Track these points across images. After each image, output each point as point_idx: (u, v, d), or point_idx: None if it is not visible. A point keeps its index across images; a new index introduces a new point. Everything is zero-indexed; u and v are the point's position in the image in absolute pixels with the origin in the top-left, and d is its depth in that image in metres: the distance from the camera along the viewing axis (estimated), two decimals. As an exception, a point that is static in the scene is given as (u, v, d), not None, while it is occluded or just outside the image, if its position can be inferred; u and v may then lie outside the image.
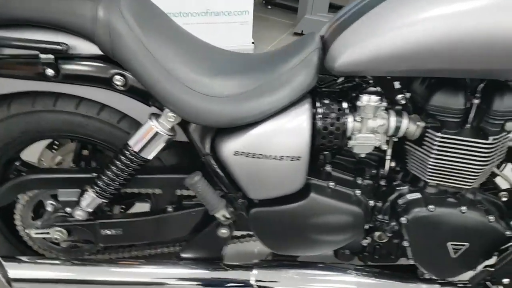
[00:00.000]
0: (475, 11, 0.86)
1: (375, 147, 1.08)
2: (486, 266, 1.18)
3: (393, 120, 1.04)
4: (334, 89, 1.12)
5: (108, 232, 1.20)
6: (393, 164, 1.14)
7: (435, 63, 0.92)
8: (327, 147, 1.07)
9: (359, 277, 1.21)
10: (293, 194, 1.11)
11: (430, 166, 1.06)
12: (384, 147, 1.09)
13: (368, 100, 1.02)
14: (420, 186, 1.13)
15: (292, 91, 1.00)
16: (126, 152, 1.07)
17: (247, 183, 1.09)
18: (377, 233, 1.20)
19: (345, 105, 1.05)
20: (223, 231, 1.19)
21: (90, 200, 1.15)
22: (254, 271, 1.22)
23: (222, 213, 1.13)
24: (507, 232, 1.11)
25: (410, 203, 1.11)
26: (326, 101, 1.05)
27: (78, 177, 1.18)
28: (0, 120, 1.13)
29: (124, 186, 1.14)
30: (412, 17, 0.89)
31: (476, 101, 1.01)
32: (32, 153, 1.31)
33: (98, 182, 1.12)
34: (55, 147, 1.33)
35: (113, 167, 1.09)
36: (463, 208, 1.09)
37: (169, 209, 1.20)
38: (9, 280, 1.20)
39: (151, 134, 1.04)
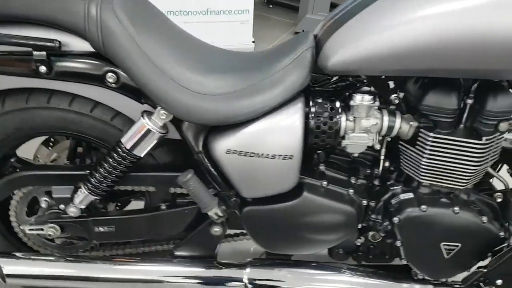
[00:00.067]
0: (468, 10, 0.85)
1: (370, 147, 1.08)
2: (479, 267, 1.17)
3: (386, 119, 1.04)
4: (327, 88, 1.11)
5: (102, 229, 1.21)
6: (387, 163, 1.14)
7: (429, 63, 0.91)
8: (320, 146, 1.07)
9: (352, 277, 1.21)
10: (286, 193, 1.10)
11: (423, 166, 1.05)
12: (378, 146, 1.08)
13: (361, 100, 1.01)
14: (414, 186, 1.13)
15: (285, 89, 1.00)
16: (119, 149, 1.07)
17: (240, 181, 1.09)
18: (370, 233, 1.20)
19: (338, 104, 1.05)
20: (216, 229, 1.19)
21: (83, 197, 1.15)
22: (248, 270, 1.22)
23: (214, 211, 1.13)
24: (501, 233, 1.10)
25: (402, 203, 1.11)
26: (319, 100, 1.05)
27: (72, 174, 1.18)
28: (-6, 116, 1.13)
29: (117, 183, 1.15)
30: (406, 16, 0.89)
31: (469, 101, 1.00)
32: (28, 150, 1.32)
33: (91, 179, 1.12)
34: (51, 144, 1.33)
35: (105, 164, 1.09)
36: (456, 209, 1.08)
37: (163, 207, 1.20)
38: (4, 276, 1.21)
39: (143, 132, 1.04)
